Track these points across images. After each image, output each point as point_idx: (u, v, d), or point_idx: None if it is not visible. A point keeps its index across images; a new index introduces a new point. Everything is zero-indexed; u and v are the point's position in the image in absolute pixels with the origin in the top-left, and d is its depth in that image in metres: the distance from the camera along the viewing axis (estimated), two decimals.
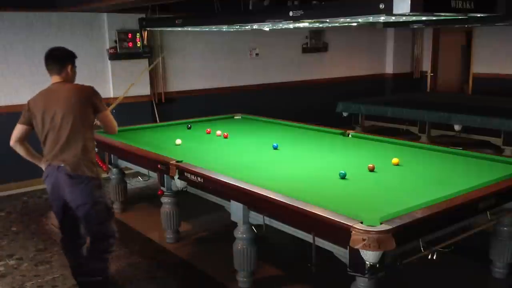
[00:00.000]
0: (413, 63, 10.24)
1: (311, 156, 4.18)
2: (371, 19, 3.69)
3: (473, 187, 3.09)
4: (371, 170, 3.58)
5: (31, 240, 4.65)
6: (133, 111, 6.61)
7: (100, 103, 3.29)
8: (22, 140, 3.32)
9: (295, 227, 3.03)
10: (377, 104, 7.47)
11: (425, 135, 6.99)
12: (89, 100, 3.22)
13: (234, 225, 3.52)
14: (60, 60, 3.25)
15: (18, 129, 3.30)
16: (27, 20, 6.09)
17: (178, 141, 4.61)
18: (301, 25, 4.67)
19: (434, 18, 4.33)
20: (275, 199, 2.94)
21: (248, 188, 3.16)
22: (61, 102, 3.15)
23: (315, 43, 8.84)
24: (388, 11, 3.01)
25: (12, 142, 3.31)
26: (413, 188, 3.22)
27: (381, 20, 4.38)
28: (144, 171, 4.52)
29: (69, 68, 3.27)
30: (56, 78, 3.26)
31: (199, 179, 3.58)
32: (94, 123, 3.36)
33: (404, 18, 3.87)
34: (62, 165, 3.19)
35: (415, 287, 3.66)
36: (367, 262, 2.45)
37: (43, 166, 3.35)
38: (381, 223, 2.49)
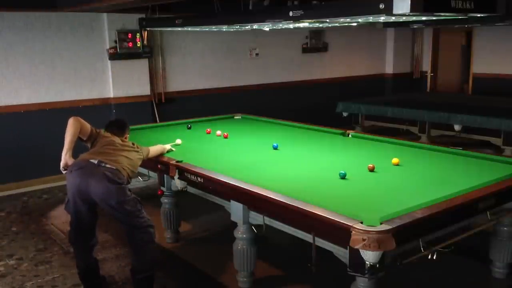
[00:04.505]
0: (413, 63, 10.24)
1: (311, 156, 4.17)
2: (371, 19, 3.68)
3: (473, 187, 3.09)
4: (371, 170, 3.58)
5: (31, 240, 4.65)
6: (133, 111, 6.62)
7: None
8: (81, 125, 3.55)
9: (295, 227, 3.03)
10: (377, 104, 7.46)
11: (425, 135, 6.99)
12: None
13: (234, 225, 3.52)
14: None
15: (87, 124, 3.63)
16: (27, 20, 6.09)
17: (178, 141, 4.61)
18: (301, 25, 4.66)
19: (434, 18, 4.32)
20: (275, 199, 2.94)
21: (248, 188, 3.15)
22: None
23: (315, 43, 8.84)
24: (388, 11, 3.00)
25: (75, 117, 3.57)
26: (413, 188, 3.22)
27: (381, 20, 4.37)
28: (144, 171, 4.52)
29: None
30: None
31: (199, 179, 3.58)
32: None
33: (404, 18, 3.86)
34: (105, 163, 3.33)
35: (415, 287, 3.66)
36: (367, 262, 2.46)
37: (67, 157, 3.44)
38: (381, 223, 2.49)
